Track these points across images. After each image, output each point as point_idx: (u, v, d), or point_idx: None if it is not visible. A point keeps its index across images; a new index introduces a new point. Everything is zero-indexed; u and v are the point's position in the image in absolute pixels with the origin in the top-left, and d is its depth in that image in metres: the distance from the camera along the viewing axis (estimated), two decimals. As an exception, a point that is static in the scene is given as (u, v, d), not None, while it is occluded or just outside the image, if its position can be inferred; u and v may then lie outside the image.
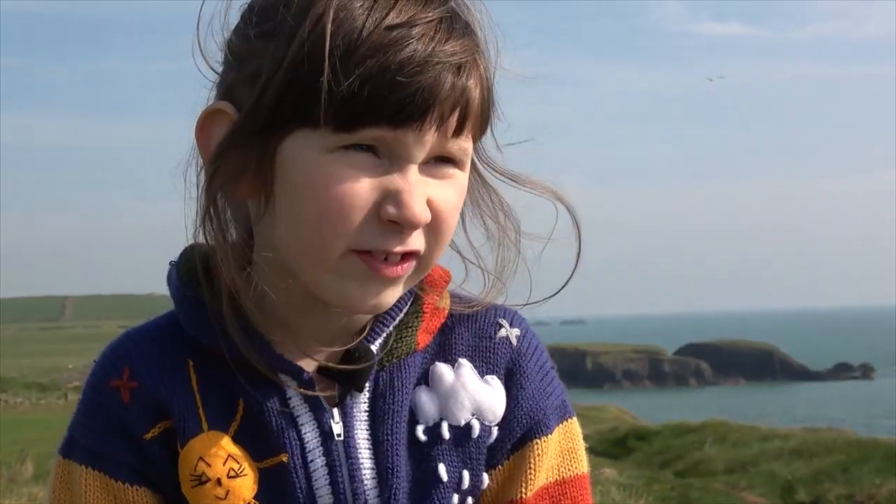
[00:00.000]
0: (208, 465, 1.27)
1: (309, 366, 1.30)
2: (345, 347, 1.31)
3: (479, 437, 1.34)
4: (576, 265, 1.39)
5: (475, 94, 1.24)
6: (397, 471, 1.29)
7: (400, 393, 1.31)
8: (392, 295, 1.26)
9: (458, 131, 1.23)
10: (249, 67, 1.24)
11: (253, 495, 1.28)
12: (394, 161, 1.21)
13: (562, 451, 1.40)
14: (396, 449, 1.30)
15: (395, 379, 1.32)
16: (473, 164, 1.33)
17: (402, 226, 1.21)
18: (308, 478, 1.28)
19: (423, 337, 1.35)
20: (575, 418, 1.43)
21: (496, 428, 1.35)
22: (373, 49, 1.18)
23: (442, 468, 1.31)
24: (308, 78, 1.18)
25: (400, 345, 1.33)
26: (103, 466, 1.30)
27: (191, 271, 1.31)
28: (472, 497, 1.36)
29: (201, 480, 1.27)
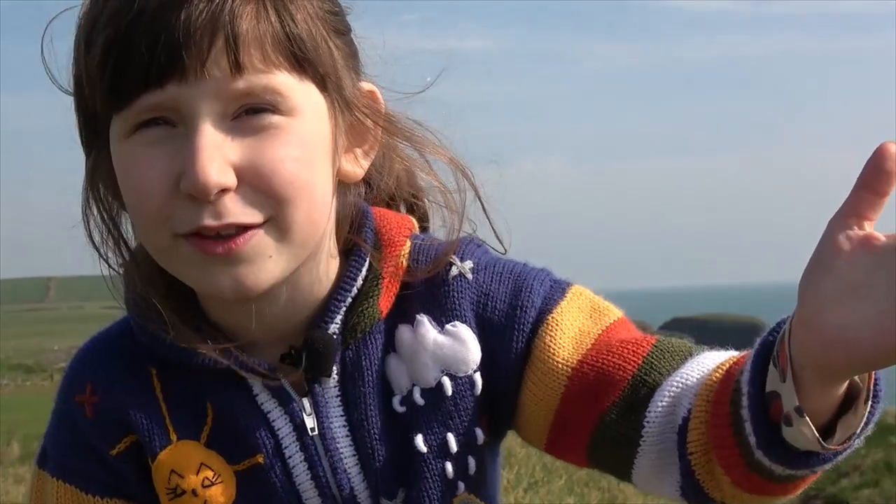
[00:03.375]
0: (181, 476, 1.23)
1: (270, 356, 1.24)
2: (301, 333, 1.24)
3: (455, 393, 1.25)
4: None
5: (244, 14, 1.10)
6: (378, 453, 1.24)
7: (368, 372, 1.25)
8: (254, 276, 1.16)
9: (237, 67, 1.10)
10: None
11: (232, 501, 1.24)
12: (186, 126, 1.12)
13: (583, 314, 1.26)
14: (374, 432, 1.24)
15: (362, 356, 1.25)
16: (347, 109, 1.21)
17: (199, 197, 1.11)
18: (288, 475, 1.24)
19: (385, 302, 1.26)
20: (577, 285, 1.29)
21: (478, 374, 1.25)
22: (108, 15, 1.12)
23: (419, 439, 1.24)
24: (83, 73, 1.16)
25: (362, 318, 1.25)
26: (75, 480, 1.28)
27: (141, 276, 1.26)
28: (473, 456, 1.27)
29: (177, 493, 1.24)
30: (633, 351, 1.21)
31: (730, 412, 1.06)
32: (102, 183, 1.23)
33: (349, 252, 1.28)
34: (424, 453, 1.25)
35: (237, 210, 1.13)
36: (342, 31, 1.22)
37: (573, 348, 1.23)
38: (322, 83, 1.18)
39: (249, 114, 1.13)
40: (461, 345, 1.25)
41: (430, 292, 1.27)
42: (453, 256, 1.28)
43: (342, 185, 1.26)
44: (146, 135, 1.13)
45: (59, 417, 1.31)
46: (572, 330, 1.24)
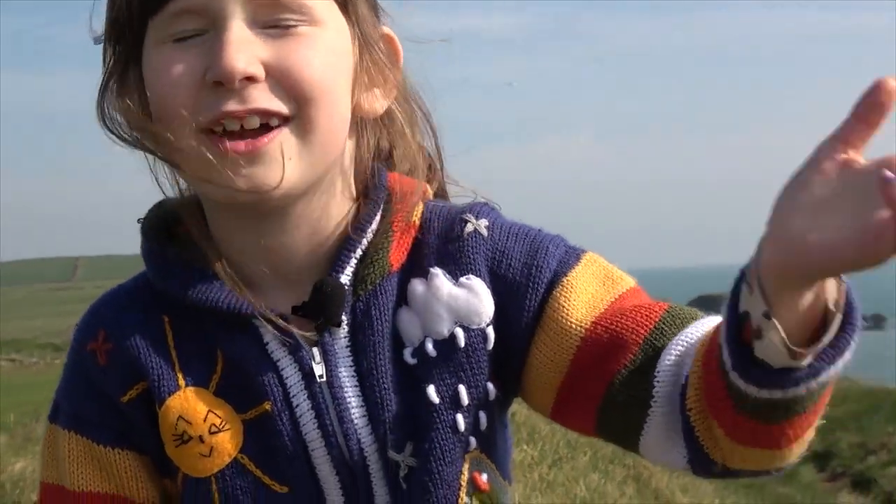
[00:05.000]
0: (188, 422, 1.24)
1: (282, 306, 1.25)
2: (313, 283, 1.24)
3: (468, 344, 1.24)
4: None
5: None
6: (387, 404, 1.23)
7: (379, 322, 1.25)
8: (274, 173, 1.18)
9: None
10: None
11: (239, 449, 1.24)
12: (217, 28, 1.17)
13: (597, 280, 1.26)
14: (383, 382, 1.24)
15: (372, 307, 1.25)
16: (363, 36, 1.26)
17: (225, 83, 1.16)
18: (295, 423, 1.23)
19: (397, 256, 1.27)
20: (591, 252, 1.29)
21: (491, 328, 1.25)
22: None
23: (431, 389, 1.23)
24: None
25: (372, 269, 1.26)
26: (86, 431, 1.28)
27: (158, 227, 1.29)
28: (484, 411, 1.27)
29: (183, 439, 1.24)
30: (646, 315, 1.22)
31: (716, 355, 1.09)
32: (129, 97, 1.24)
33: (365, 192, 1.31)
34: (437, 403, 1.24)
35: (262, 98, 1.17)
36: None
37: (586, 311, 1.24)
38: (343, 5, 1.23)
39: (277, 21, 1.18)
40: (475, 297, 1.25)
41: (444, 247, 1.28)
42: (468, 214, 1.29)
43: (360, 123, 1.30)
44: (181, 44, 1.18)
45: (71, 368, 1.31)
46: (586, 294, 1.25)
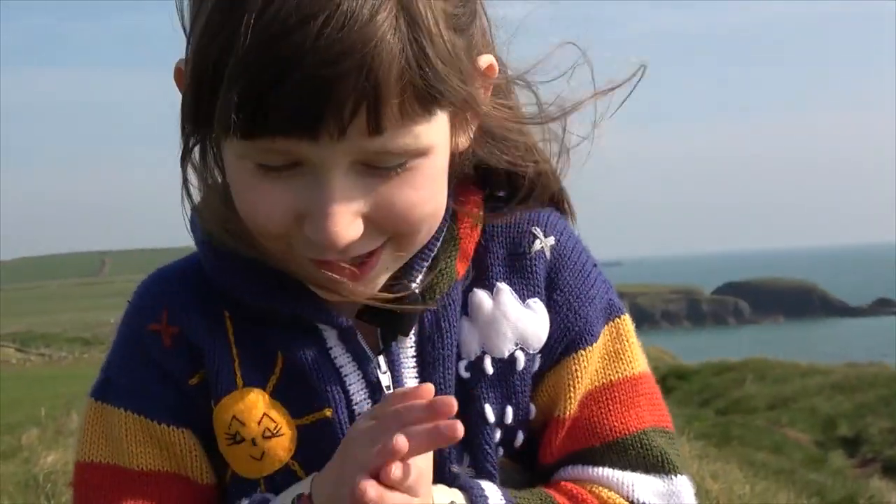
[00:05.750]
0: (242, 423, 1.22)
1: (347, 311, 1.22)
2: (383, 292, 1.20)
3: (524, 368, 1.26)
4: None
5: (390, 65, 1.03)
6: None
7: (448, 334, 1.24)
8: (373, 286, 1.17)
9: (377, 129, 1.05)
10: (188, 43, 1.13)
11: (290, 455, 1.22)
12: (313, 168, 1.08)
13: (607, 353, 1.30)
14: (449, 394, 1.23)
15: (441, 319, 1.24)
16: (471, 102, 1.15)
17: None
18: None
19: (462, 265, 1.26)
20: (626, 315, 1.32)
21: (539, 356, 1.27)
22: (253, 49, 1.01)
23: (488, 408, 1.25)
24: (203, 79, 1.06)
25: (441, 279, 1.24)
26: (146, 409, 1.25)
27: (213, 218, 1.22)
28: (521, 430, 1.29)
29: (236, 440, 1.23)
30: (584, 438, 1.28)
31: None
32: (204, 162, 1.20)
33: None
34: (491, 423, 1.25)
35: (361, 247, 1.13)
36: (463, 27, 1.14)
37: (587, 385, 1.29)
38: (453, 110, 1.14)
39: (381, 164, 1.09)
40: (539, 322, 1.27)
41: (511, 262, 1.28)
42: (537, 228, 1.30)
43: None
44: (264, 167, 1.09)
45: (128, 347, 1.28)
46: (595, 366, 1.29)
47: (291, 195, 1.09)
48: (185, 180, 1.21)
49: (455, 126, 1.17)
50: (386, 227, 1.12)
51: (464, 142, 1.22)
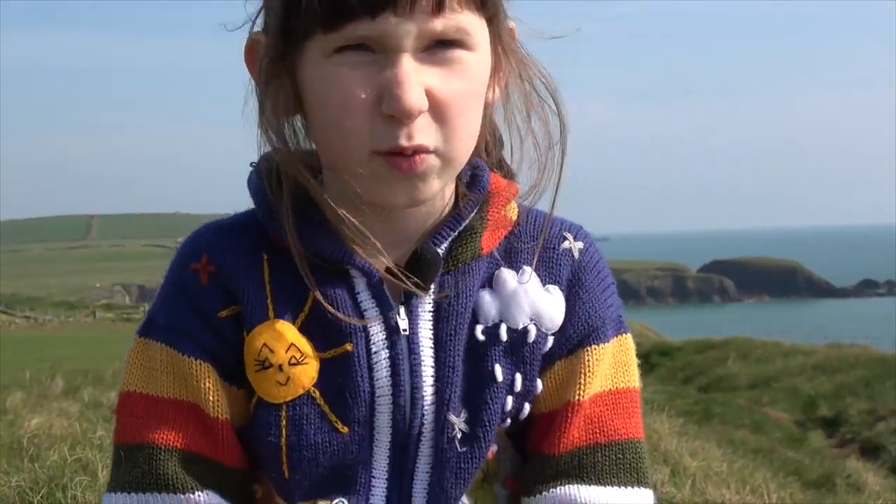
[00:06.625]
0: (271, 350, 1.33)
1: (379, 265, 1.34)
2: (412, 249, 1.34)
3: (534, 342, 1.38)
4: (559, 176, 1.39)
5: None
6: (456, 369, 1.35)
7: (464, 296, 1.36)
8: (423, 190, 1.29)
9: (439, 7, 1.24)
10: None
11: (313, 383, 1.33)
12: (387, 54, 1.24)
13: (616, 362, 1.43)
14: (458, 349, 1.35)
15: (460, 282, 1.36)
16: (501, 44, 1.34)
17: (402, 119, 1.24)
18: (370, 368, 1.33)
19: (488, 243, 1.39)
20: (630, 335, 1.46)
21: (552, 336, 1.39)
22: None
23: (497, 368, 1.36)
24: None
25: (465, 249, 1.37)
26: (174, 341, 1.36)
27: (268, 172, 1.36)
28: (527, 401, 1.40)
29: (264, 366, 1.33)
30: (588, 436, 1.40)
31: None
32: (272, 101, 1.32)
33: (468, 185, 1.41)
34: (499, 382, 1.37)
35: (423, 135, 1.25)
36: None
37: (599, 384, 1.41)
38: (491, 20, 1.31)
39: (439, 46, 1.26)
40: (555, 306, 1.40)
41: (540, 252, 1.41)
42: (568, 233, 1.44)
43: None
44: (348, 57, 1.25)
45: (171, 286, 1.39)
46: (606, 369, 1.42)
47: (369, 79, 1.24)
48: (265, 127, 1.34)
49: (491, 75, 1.35)
50: (439, 112, 1.26)
51: (493, 96, 1.37)
